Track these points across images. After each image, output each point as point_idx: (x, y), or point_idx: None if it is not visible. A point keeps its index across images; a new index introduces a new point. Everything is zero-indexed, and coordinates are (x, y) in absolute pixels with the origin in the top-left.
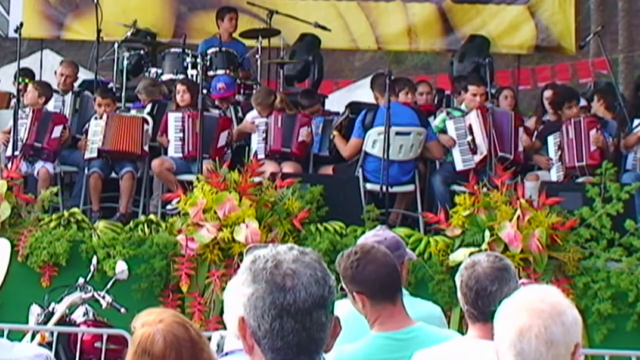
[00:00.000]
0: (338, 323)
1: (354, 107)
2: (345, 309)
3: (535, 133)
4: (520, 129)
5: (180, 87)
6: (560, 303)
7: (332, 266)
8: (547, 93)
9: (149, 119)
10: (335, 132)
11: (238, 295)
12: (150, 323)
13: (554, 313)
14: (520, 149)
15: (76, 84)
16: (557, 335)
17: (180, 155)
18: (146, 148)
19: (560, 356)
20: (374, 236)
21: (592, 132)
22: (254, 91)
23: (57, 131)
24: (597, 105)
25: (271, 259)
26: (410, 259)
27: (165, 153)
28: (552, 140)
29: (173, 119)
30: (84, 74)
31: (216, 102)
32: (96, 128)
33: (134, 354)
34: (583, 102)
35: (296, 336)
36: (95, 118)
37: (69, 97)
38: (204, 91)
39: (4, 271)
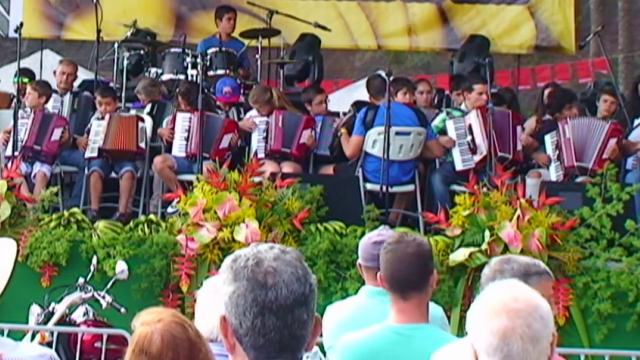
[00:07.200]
0: (319, 322)
1: (360, 106)
2: (344, 311)
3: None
4: (519, 128)
5: (180, 100)
6: (533, 297)
7: (332, 265)
8: (546, 92)
9: (147, 117)
10: (343, 130)
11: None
12: (149, 322)
13: (531, 310)
14: (519, 147)
15: (76, 84)
16: (539, 331)
17: (184, 154)
18: (142, 145)
19: (543, 349)
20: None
21: (612, 141)
22: None
23: (57, 134)
24: (615, 105)
25: (252, 258)
26: None
27: (167, 151)
28: (549, 140)
29: (181, 119)
30: (84, 74)
31: (218, 103)
32: (98, 128)
33: (132, 353)
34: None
35: (278, 333)
36: (97, 118)
37: (67, 97)
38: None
39: (9, 272)
